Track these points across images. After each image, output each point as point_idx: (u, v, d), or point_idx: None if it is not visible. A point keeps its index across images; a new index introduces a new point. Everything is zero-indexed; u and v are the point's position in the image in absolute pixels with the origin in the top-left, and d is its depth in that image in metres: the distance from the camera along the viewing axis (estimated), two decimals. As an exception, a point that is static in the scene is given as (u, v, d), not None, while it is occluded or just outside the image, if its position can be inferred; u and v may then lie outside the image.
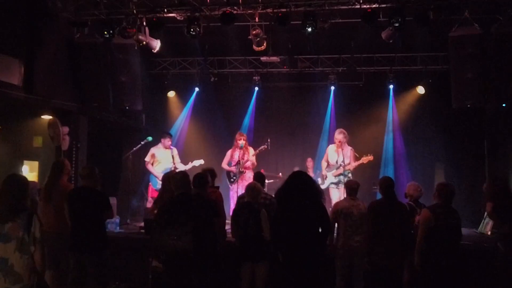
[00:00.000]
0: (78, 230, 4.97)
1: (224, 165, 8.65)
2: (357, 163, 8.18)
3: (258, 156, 8.69)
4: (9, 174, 3.80)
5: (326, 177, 8.32)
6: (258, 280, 5.14)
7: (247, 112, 10.75)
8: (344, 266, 5.57)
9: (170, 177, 5.52)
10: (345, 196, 6.09)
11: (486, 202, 5.42)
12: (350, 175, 8.17)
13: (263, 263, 5.13)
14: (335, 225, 5.63)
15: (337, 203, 5.97)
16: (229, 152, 8.74)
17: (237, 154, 8.54)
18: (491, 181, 5.42)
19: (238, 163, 8.41)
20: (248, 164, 8.52)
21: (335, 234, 5.70)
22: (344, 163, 8.08)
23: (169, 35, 8.57)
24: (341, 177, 8.10)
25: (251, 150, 8.66)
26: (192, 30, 7.53)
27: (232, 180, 8.55)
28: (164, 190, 5.98)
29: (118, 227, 7.79)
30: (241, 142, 8.53)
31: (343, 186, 7.84)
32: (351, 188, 5.79)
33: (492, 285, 5.20)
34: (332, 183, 8.25)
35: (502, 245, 5.00)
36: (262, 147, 8.61)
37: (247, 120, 10.66)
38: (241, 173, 8.38)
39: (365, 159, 8.19)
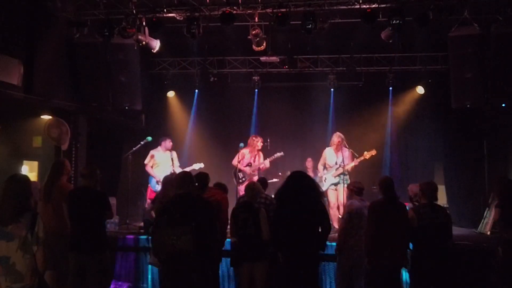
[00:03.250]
0: (78, 230, 4.97)
1: (235, 162, 8.51)
2: (359, 159, 8.16)
3: (272, 161, 8.72)
4: (12, 174, 3.76)
5: (326, 179, 8.30)
6: (257, 280, 5.13)
7: (246, 112, 10.75)
8: (349, 265, 5.56)
9: (170, 180, 5.52)
10: (344, 197, 6.08)
11: (495, 206, 5.39)
12: (347, 176, 8.16)
13: (261, 263, 5.12)
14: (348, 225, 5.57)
15: (351, 203, 5.80)
16: (241, 152, 8.56)
17: (248, 156, 8.55)
18: (499, 181, 5.38)
19: (248, 165, 8.42)
20: (262, 167, 8.51)
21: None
22: (343, 163, 8.09)
23: (168, 35, 8.57)
24: (341, 176, 8.10)
25: (262, 156, 8.69)
26: (191, 30, 7.53)
27: (241, 181, 8.51)
28: (162, 193, 5.97)
29: (117, 227, 7.80)
30: (260, 143, 8.58)
31: (341, 186, 7.89)
32: (359, 188, 5.77)
33: (491, 286, 5.20)
34: (332, 184, 8.24)
35: (502, 250, 4.99)
36: (278, 154, 8.60)
37: (247, 120, 10.65)
38: (252, 175, 8.42)
39: (367, 154, 8.16)
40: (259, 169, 8.61)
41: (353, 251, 5.48)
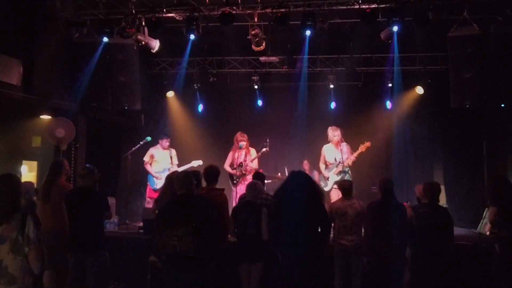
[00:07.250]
0: (77, 230, 4.97)
1: (227, 166, 8.61)
2: (355, 153, 8.13)
3: (259, 158, 8.64)
4: (2, 174, 3.69)
5: (329, 178, 8.28)
6: (253, 279, 5.10)
7: (246, 112, 10.74)
8: (342, 264, 5.58)
9: (174, 177, 5.50)
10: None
11: (489, 205, 5.39)
12: (349, 172, 8.14)
13: (259, 263, 5.09)
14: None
15: (332, 203, 5.97)
16: (230, 154, 8.68)
17: (238, 156, 8.49)
18: (492, 182, 5.37)
19: (240, 165, 8.39)
20: (249, 169, 8.44)
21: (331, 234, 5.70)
22: (342, 159, 8.06)
23: (168, 35, 8.56)
24: (342, 174, 8.08)
25: (253, 152, 8.60)
26: (191, 30, 7.53)
27: (234, 182, 8.53)
28: (166, 190, 5.95)
29: (116, 227, 7.79)
30: (242, 143, 8.49)
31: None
32: (344, 188, 5.81)
33: (490, 286, 5.19)
34: (336, 182, 8.21)
35: (498, 247, 5.00)
36: (264, 149, 8.52)
37: (246, 120, 10.64)
38: (243, 175, 8.39)
39: (363, 147, 8.14)
40: (249, 169, 8.47)
41: (339, 250, 5.53)
